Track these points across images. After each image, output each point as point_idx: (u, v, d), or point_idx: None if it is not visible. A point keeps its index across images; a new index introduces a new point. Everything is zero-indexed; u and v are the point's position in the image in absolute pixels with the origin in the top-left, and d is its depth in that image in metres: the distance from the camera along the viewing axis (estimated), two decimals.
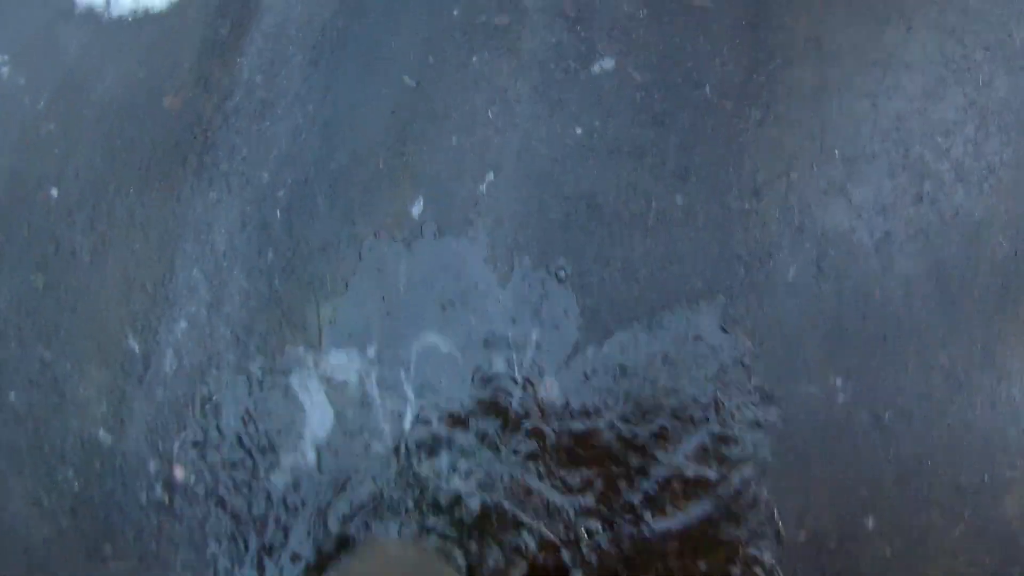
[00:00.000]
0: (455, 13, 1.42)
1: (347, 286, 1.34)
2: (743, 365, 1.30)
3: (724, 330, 1.34)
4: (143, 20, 1.54)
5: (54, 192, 1.50)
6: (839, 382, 1.32)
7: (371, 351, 1.32)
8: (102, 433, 1.46)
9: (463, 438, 1.29)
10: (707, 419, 1.29)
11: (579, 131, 1.35)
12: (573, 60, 1.40)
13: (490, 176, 1.32)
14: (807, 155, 1.42)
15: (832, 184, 1.42)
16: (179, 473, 1.41)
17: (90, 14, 1.60)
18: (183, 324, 1.41)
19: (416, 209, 1.34)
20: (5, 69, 1.61)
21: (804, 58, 1.48)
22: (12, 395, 1.50)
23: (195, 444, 1.39)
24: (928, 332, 1.36)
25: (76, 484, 1.44)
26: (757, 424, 1.30)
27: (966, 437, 1.30)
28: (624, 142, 1.38)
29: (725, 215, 1.37)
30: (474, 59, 1.39)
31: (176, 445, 1.40)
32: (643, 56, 1.42)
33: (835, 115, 1.46)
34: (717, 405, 1.29)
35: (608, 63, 1.40)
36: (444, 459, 1.28)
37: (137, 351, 1.44)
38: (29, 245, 1.51)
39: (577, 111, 1.38)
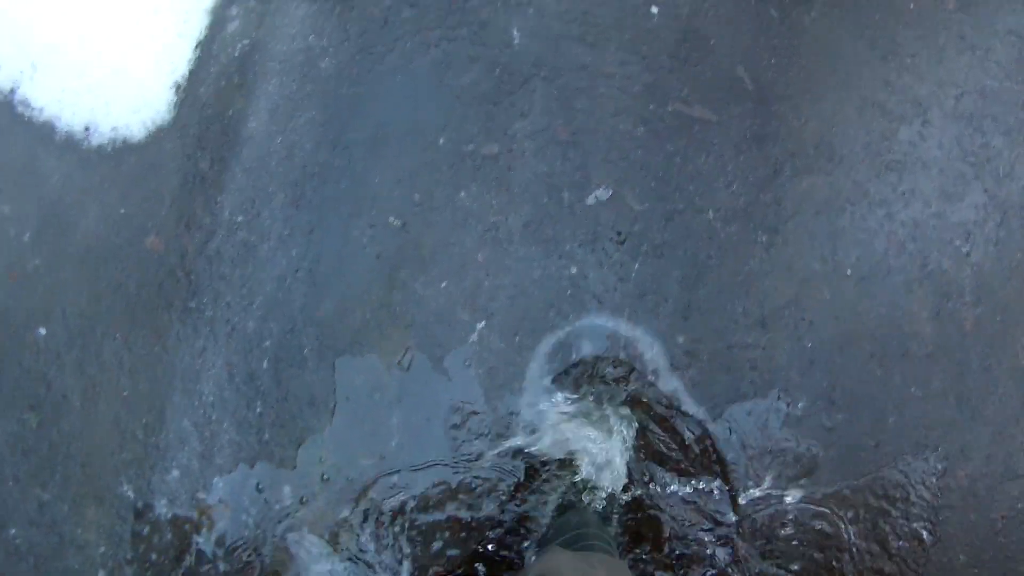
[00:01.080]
0: (440, 142, 1.35)
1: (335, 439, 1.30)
2: None
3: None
4: (122, 151, 1.50)
5: (42, 331, 1.48)
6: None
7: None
8: (101, 575, 1.45)
9: None
10: None
11: (574, 271, 1.29)
12: (567, 190, 1.33)
13: (481, 324, 1.27)
14: (818, 278, 1.34)
15: (845, 306, 1.34)
16: None
17: (70, 142, 1.56)
18: (175, 473, 1.39)
19: (406, 360, 1.29)
20: None
21: (814, 168, 1.39)
22: (12, 531, 1.49)
23: None
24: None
25: None
26: None
27: None
28: (621, 279, 1.31)
29: (729, 354, 1.30)
30: (462, 194, 1.32)
31: None
32: (641, 181, 1.34)
33: (847, 230, 1.37)
34: None
35: (604, 192, 1.32)
36: None
37: (131, 496, 1.42)
38: (20, 384, 1.49)
39: (572, 248, 1.31)
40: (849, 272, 1.35)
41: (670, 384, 1.30)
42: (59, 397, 1.46)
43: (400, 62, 1.40)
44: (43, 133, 1.58)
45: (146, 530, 1.39)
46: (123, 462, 1.40)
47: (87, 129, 1.57)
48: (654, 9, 1.44)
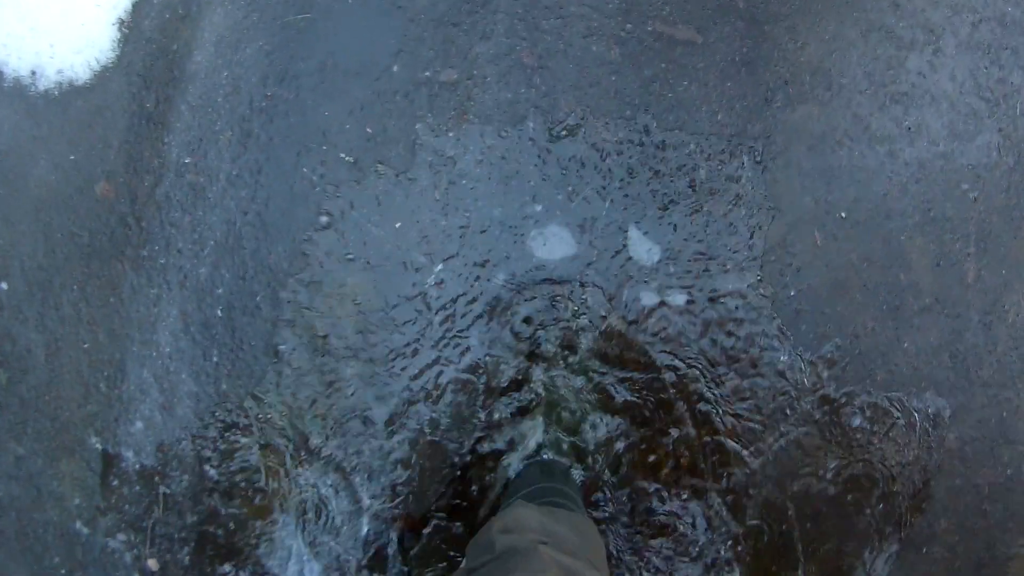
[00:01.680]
0: (394, 70, 1.24)
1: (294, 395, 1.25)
2: None
3: None
4: (69, 94, 1.42)
5: (4, 286, 1.45)
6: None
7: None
8: (79, 525, 1.45)
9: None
10: None
11: (538, 208, 1.19)
12: (532, 120, 1.21)
13: (439, 267, 1.18)
14: (808, 220, 1.22)
15: (838, 252, 1.22)
16: (152, 565, 1.40)
17: (17, 87, 1.48)
18: (139, 425, 1.36)
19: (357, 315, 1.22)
20: None
21: (809, 97, 1.25)
22: None
23: (164, 537, 1.37)
24: None
25: (63, 571, 1.46)
26: None
27: None
28: (593, 218, 1.21)
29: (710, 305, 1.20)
30: (418, 127, 1.22)
31: (147, 539, 1.38)
32: (615, 110, 1.22)
33: (844, 168, 1.24)
34: None
35: (573, 120, 1.21)
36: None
37: (99, 449, 1.40)
38: None
39: (536, 185, 1.20)
40: (843, 215, 1.22)
41: (640, 336, 1.21)
42: (24, 352, 1.44)
43: None
44: None
45: (115, 481, 1.38)
46: (89, 414, 1.38)
47: (34, 73, 1.49)
48: None
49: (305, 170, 1.22)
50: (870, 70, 1.25)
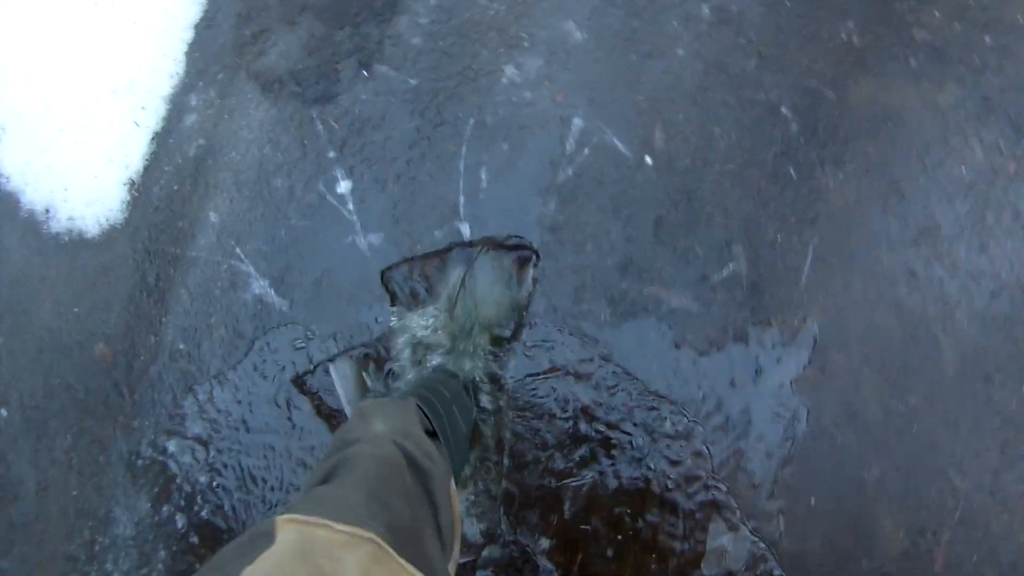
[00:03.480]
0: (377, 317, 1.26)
1: None
2: None
3: None
4: (78, 244, 1.46)
5: (3, 412, 1.52)
6: None
7: None
8: None
9: None
10: None
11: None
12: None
13: None
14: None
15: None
16: None
17: (31, 220, 1.53)
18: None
19: None
20: None
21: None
22: None
23: None
24: None
25: None
26: None
27: None
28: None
29: None
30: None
31: None
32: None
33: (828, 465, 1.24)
34: None
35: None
36: None
37: None
38: None
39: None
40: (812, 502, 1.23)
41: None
42: (16, 480, 1.52)
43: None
44: (9, 205, 1.56)
45: None
46: (71, 555, 1.47)
47: (47, 212, 1.53)
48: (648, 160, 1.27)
49: (279, 401, 1.26)
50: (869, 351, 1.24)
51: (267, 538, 0.52)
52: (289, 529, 0.53)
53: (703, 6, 1.38)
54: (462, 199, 1.27)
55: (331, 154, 1.34)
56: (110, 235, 1.44)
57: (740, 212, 1.26)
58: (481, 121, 1.31)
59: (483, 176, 1.27)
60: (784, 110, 1.32)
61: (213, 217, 1.36)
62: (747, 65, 1.34)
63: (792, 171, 1.28)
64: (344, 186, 1.29)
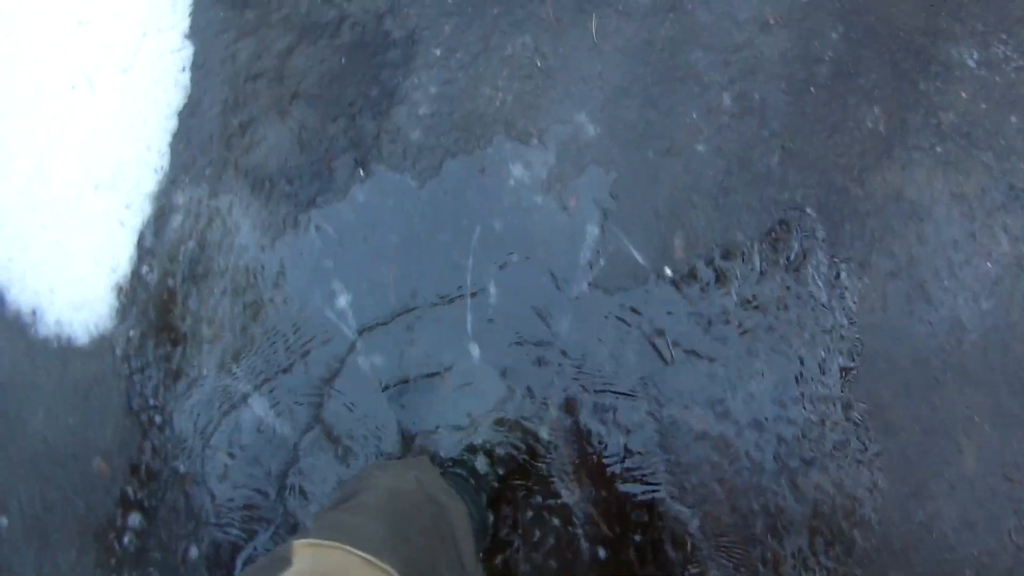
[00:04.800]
0: None
1: None
2: None
3: None
4: (68, 352, 1.39)
5: (4, 522, 1.48)
6: None
7: None
8: None
9: None
10: None
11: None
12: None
13: None
14: None
15: None
16: None
17: (18, 321, 1.45)
18: None
19: None
20: None
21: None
22: None
23: None
24: None
25: None
26: None
27: None
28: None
29: None
30: None
31: None
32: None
33: None
34: None
35: None
36: None
37: None
38: None
39: None
40: None
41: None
42: None
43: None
44: None
45: None
46: None
47: (34, 314, 1.46)
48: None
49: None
50: None
51: (284, 562, 0.54)
52: (305, 553, 0.55)
53: (724, 95, 1.27)
54: (470, 317, 1.19)
55: (328, 263, 1.25)
56: (100, 344, 1.37)
57: (764, 334, 1.18)
58: (488, 228, 1.22)
59: (492, 291, 1.19)
60: (809, 210, 1.22)
61: (206, 330, 1.29)
62: (771, 161, 1.24)
63: (819, 283, 1.20)
64: (343, 300, 1.22)
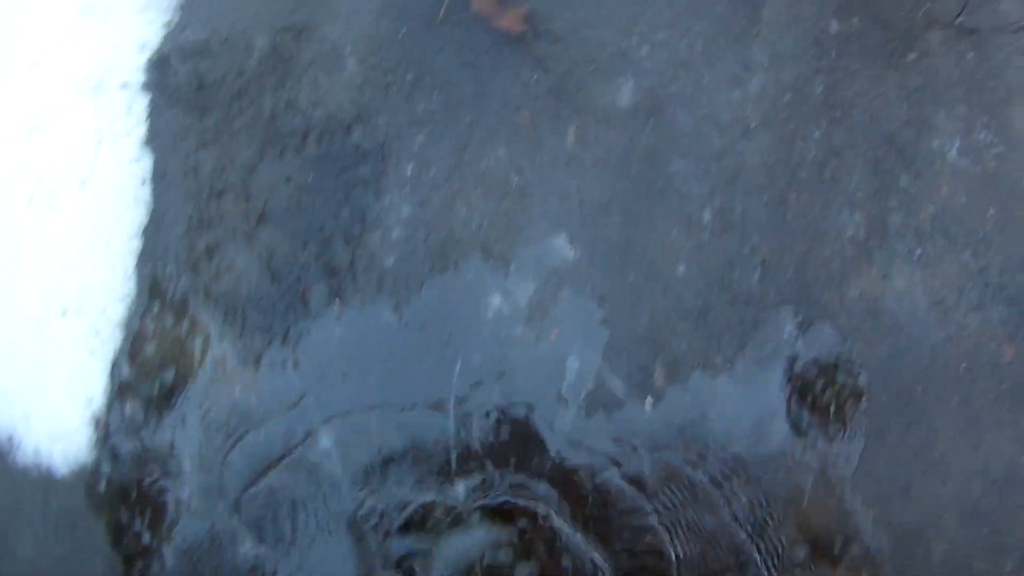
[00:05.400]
0: None
1: None
2: None
3: None
4: (49, 483, 1.37)
5: None
6: None
7: None
8: None
9: None
10: None
11: None
12: None
13: None
14: None
15: None
16: None
17: None
18: None
19: None
20: None
21: None
22: None
23: None
24: None
25: None
26: None
27: None
28: None
29: None
30: None
31: None
32: None
33: None
34: None
35: None
36: None
37: None
38: None
39: None
40: None
41: None
42: None
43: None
44: None
45: None
46: None
47: (11, 440, 1.42)
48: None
49: None
50: None
51: None
52: None
53: (705, 210, 1.23)
54: (454, 455, 1.18)
55: (308, 399, 1.23)
56: (81, 477, 1.35)
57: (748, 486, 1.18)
58: (468, 363, 1.19)
59: (475, 430, 1.18)
60: (788, 329, 1.21)
61: (188, 467, 1.27)
62: (751, 279, 1.22)
63: (807, 418, 1.19)
64: (324, 442, 1.20)
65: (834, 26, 1.38)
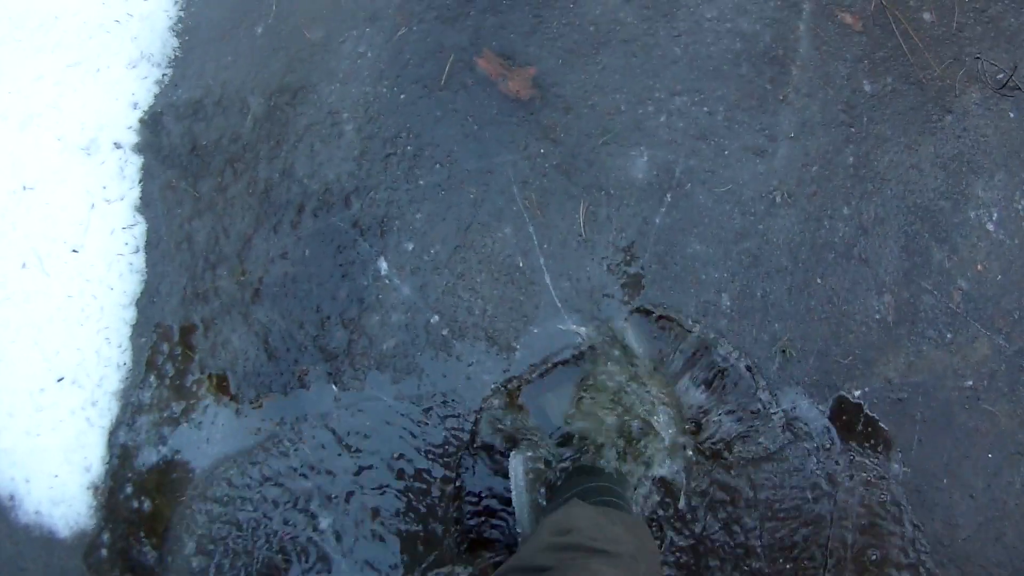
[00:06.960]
0: None
1: None
2: None
3: None
4: (50, 544, 1.37)
5: None
6: None
7: None
8: None
9: None
10: None
11: None
12: None
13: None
14: None
15: None
16: None
17: None
18: None
19: None
20: None
21: None
22: None
23: None
24: None
25: None
26: None
27: None
28: None
29: None
30: None
31: None
32: None
33: None
34: None
35: None
36: None
37: None
38: None
39: None
40: None
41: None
42: None
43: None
44: None
45: None
46: None
47: (12, 499, 1.43)
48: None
49: None
50: None
51: None
52: None
53: (723, 295, 1.17)
54: (448, 543, 1.15)
55: (307, 483, 1.21)
56: (82, 539, 1.35)
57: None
58: (471, 455, 1.16)
59: (471, 516, 1.15)
60: (802, 425, 1.15)
61: (188, 542, 1.26)
62: (768, 370, 1.16)
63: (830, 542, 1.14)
64: (325, 522, 1.18)
65: (867, 87, 1.29)
